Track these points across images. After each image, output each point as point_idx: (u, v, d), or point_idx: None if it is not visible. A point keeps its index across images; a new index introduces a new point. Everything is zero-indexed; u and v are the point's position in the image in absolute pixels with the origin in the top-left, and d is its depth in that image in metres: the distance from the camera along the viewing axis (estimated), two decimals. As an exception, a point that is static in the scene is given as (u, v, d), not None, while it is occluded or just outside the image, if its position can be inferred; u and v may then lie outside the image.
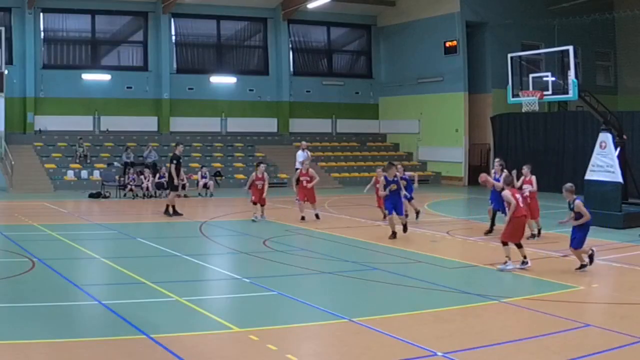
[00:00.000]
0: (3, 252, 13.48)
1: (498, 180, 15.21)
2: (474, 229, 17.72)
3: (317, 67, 37.56)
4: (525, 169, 15.99)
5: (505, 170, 15.43)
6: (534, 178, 15.95)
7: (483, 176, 15.56)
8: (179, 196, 20.89)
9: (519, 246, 12.33)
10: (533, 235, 15.62)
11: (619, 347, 7.85)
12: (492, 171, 17.60)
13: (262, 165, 19.52)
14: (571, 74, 18.82)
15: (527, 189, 15.54)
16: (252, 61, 36.23)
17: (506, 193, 12.38)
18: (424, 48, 34.36)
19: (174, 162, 19.74)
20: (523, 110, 20.79)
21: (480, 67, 33.07)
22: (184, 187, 26.51)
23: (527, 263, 12.23)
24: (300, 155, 24.36)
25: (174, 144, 21.75)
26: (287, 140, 35.11)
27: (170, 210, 19.67)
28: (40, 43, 31.45)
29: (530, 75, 20.65)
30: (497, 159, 17.24)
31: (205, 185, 26.50)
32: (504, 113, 30.99)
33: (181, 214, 19.67)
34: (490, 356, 7.63)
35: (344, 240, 15.67)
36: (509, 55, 21.28)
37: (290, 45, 36.24)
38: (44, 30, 31.69)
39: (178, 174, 19.86)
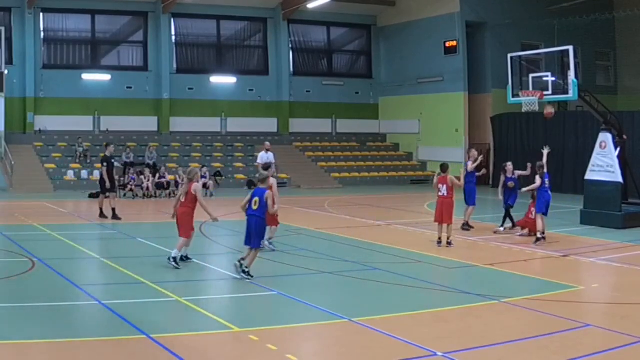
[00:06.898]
0: (3, 252, 13.48)
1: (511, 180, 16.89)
2: (473, 229, 17.72)
3: (317, 67, 37.54)
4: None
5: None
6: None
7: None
8: (107, 197, 19.04)
9: None
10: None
11: (619, 347, 7.85)
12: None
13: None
14: (571, 74, 18.79)
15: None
16: (252, 61, 36.21)
17: None
18: (423, 48, 34.35)
19: (104, 164, 18.88)
20: (523, 110, 20.75)
21: (480, 67, 33.05)
22: (175, 185, 26.38)
23: None
24: (262, 156, 21.90)
25: (105, 144, 20.24)
26: (287, 140, 35.11)
27: (99, 212, 18.89)
28: (40, 43, 31.44)
29: (530, 75, 20.61)
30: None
31: (205, 185, 26.46)
32: (504, 113, 30.97)
33: (120, 218, 18.57)
34: (490, 356, 7.63)
35: (344, 240, 15.67)
36: (509, 55, 21.25)
37: (290, 45, 36.22)
38: (44, 30, 31.67)
39: (110, 177, 18.89)
